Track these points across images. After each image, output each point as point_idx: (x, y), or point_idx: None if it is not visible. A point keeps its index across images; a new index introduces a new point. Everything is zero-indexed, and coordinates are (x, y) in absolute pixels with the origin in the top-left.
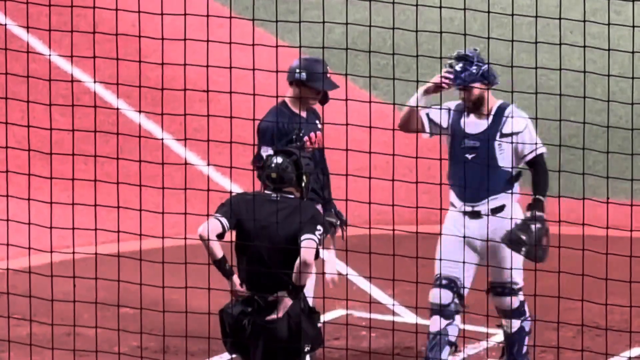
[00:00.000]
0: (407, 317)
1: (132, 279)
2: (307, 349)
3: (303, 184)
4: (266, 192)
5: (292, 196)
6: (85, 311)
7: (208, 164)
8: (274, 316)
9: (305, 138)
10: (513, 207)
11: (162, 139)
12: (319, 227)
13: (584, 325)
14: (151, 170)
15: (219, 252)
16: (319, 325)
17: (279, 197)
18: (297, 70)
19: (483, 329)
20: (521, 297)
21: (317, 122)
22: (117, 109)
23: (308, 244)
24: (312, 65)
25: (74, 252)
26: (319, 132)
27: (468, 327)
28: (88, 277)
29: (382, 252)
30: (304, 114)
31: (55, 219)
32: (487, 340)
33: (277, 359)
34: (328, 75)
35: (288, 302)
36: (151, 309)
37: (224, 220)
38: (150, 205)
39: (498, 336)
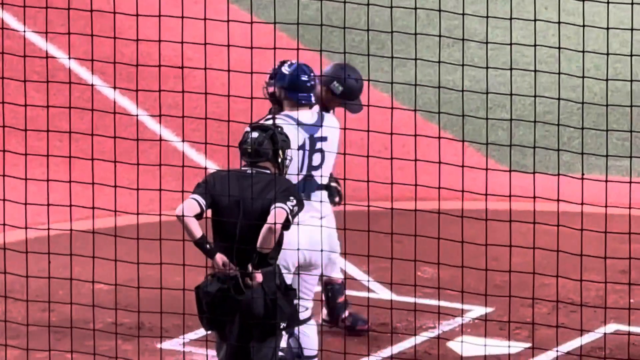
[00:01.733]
0: (382, 293)
1: (107, 256)
2: (282, 326)
3: (279, 159)
4: (242, 168)
5: (268, 171)
6: (60, 287)
7: (183, 141)
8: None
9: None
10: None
11: (137, 116)
12: (291, 198)
13: (559, 301)
14: (126, 147)
15: (197, 232)
16: (295, 302)
17: (254, 172)
18: (335, 84)
19: (458, 306)
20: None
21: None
22: (92, 85)
23: (279, 212)
24: (349, 83)
25: (49, 229)
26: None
27: (443, 303)
28: (63, 254)
29: (357, 229)
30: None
31: (30, 196)
32: (462, 317)
33: (253, 336)
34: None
35: (259, 276)
36: (126, 285)
37: (200, 199)
38: (125, 182)
39: (473, 312)
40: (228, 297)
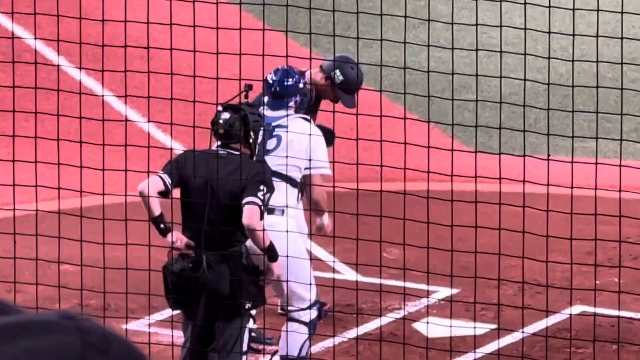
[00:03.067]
0: (348, 274)
1: (73, 236)
2: (247, 306)
3: (251, 140)
4: (214, 148)
5: (238, 153)
6: (26, 268)
7: (149, 121)
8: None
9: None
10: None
11: (103, 96)
12: (262, 187)
13: (525, 282)
14: (91, 127)
15: (156, 210)
16: (261, 283)
17: (225, 153)
18: (337, 73)
19: (424, 287)
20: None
21: None
22: (58, 66)
23: (251, 209)
24: (351, 75)
25: (14, 209)
26: None
27: (409, 284)
28: (28, 234)
29: (322, 210)
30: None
31: None
32: (427, 298)
33: (218, 316)
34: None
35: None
36: (92, 266)
37: (166, 177)
38: (91, 162)
39: (439, 293)
40: (193, 277)
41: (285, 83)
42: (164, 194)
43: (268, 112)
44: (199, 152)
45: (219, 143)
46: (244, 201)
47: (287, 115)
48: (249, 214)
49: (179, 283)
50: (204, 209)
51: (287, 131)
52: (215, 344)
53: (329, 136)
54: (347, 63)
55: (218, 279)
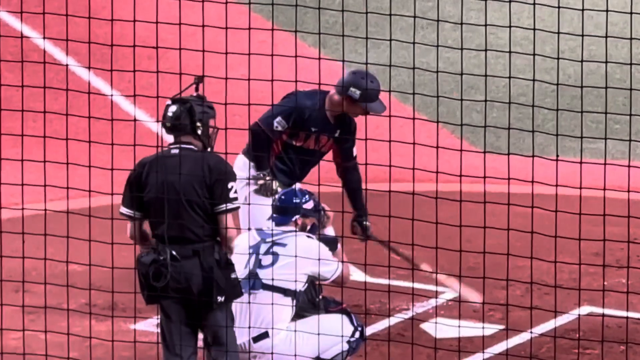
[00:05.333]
0: (356, 275)
1: (81, 236)
2: (220, 300)
3: (200, 132)
4: (169, 146)
5: (193, 147)
6: (33, 268)
7: (157, 121)
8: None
9: (324, 138)
10: None
11: (111, 96)
12: (230, 184)
13: (533, 283)
14: (100, 127)
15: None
16: (233, 276)
17: (178, 150)
18: (352, 90)
19: (432, 287)
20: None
21: (339, 130)
22: (66, 65)
23: (228, 220)
24: (364, 84)
25: (23, 209)
26: (331, 139)
27: (417, 285)
28: (37, 234)
29: (331, 210)
30: (332, 119)
31: (4, 176)
32: (436, 298)
33: (192, 310)
34: (379, 95)
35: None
36: (100, 266)
37: (129, 212)
38: (99, 162)
39: (447, 294)
40: (157, 269)
41: (293, 200)
42: (142, 219)
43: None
44: (152, 156)
45: (172, 140)
46: (217, 209)
47: (292, 232)
48: (230, 231)
49: (151, 276)
50: (162, 206)
51: (285, 253)
52: (203, 340)
53: (332, 246)
54: (355, 75)
55: (189, 273)
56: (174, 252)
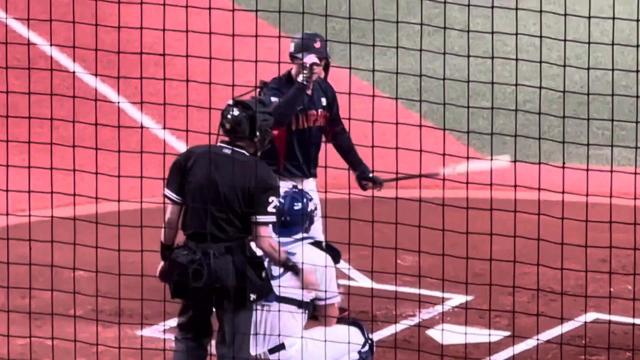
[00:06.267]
0: (362, 281)
1: (88, 242)
2: (252, 297)
3: (256, 140)
4: (220, 144)
5: (244, 151)
6: (40, 274)
7: (164, 128)
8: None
9: (312, 112)
10: None
11: (118, 102)
12: (270, 198)
13: (539, 289)
14: (107, 134)
15: (169, 240)
16: (264, 275)
17: (230, 151)
18: (291, 47)
19: (438, 294)
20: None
21: (324, 99)
22: (73, 72)
23: (264, 232)
24: (302, 40)
25: (29, 215)
26: (320, 110)
27: (423, 291)
28: (44, 240)
29: (337, 216)
30: (309, 92)
31: (11, 182)
32: (442, 305)
33: (223, 307)
34: (318, 44)
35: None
36: (107, 272)
37: (176, 197)
38: (106, 169)
39: (453, 300)
40: (199, 269)
41: (295, 208)
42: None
43: (281, 238)
44: (203, 149)
45: (224, 139)
46: (255, 219)
47: (299, 240)
48: (264, 240)
49: (185, 273)
50: (205, 203)
51: (294, 258)
52: (219, 337)
53: (335, 255)
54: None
55: (223, 271)
56: (211, 251)
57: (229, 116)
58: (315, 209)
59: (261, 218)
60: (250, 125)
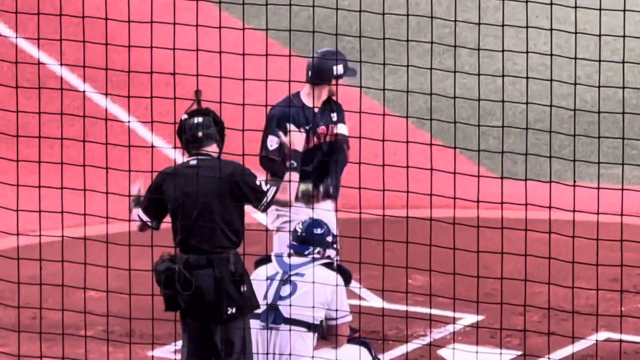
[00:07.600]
0: (373, 301)
1: (99, 262)
2: (230, 311)
3: (224, 139)
4: (187, 159)
5: (212, 155)
6: (50, 295)
7: (174, 147)
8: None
9: (321, 128)
10: None
11: (129, 122)
12: (257, 181)
13: (550, 309)
14: (117, 154)
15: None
16: (243, 290)
17: (196, 162)
18: (308, 75)
19: (449, 314)
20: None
21: (333, 114)
22: (83, 92)
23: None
24: (320, 62)
25: (40, 235)
26: (331, 125)
27: (435, 311)
28: (54, 260)
29: (348, 236)
30: (316, 109)
31: (22, 202)
32: (453, 324)
33: (204, 319)
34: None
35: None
36: (117, 292)
37: (144, 218)
38: (117, 189)
39: (465, 320)
40: (168, 276)
41: (314, 231)
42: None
43: (292, 259)
44: (173, 168)
45: (189, 153)
46: (261, 207)
47: (310, 262)
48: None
49: (164, 282)
50: (186, 216)
51: (303, 280)
52: (220, 351)
53: (347, 278)
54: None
55: (203, 283)
56: (189, 260)
57: (196, 125)
58: (335, 239)
59: (265, 202)
60: (216, 125)
